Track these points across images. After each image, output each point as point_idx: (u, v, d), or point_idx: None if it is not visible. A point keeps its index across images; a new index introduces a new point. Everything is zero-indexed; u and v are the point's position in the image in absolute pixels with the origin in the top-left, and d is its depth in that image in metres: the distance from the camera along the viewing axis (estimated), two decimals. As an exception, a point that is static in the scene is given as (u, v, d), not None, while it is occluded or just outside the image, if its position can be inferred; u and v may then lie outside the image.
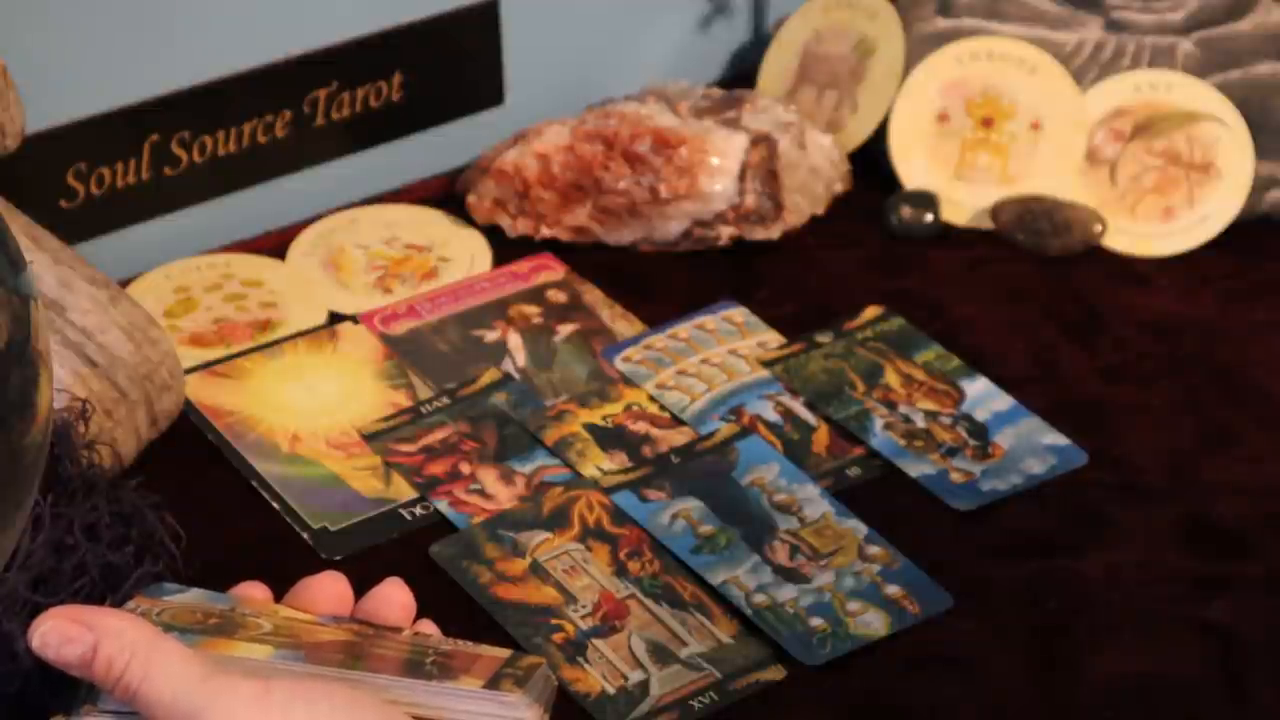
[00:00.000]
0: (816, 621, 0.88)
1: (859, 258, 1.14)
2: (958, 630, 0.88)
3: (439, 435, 1.00)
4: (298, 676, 0.66)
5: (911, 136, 1.18)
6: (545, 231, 1.14)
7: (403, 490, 0.97)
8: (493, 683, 0.67)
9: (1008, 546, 0.93)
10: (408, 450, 0.99)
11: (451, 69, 1.20)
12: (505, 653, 0.70)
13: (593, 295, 1.11)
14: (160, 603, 0.71)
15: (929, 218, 1.15)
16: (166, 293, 1.10)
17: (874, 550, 0.92)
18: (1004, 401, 1.02)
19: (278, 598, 0.73)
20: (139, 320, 0.97)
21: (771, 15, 1.30)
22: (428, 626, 0.73)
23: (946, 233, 1.16)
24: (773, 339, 1.07)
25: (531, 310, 1.09)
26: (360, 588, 0.74)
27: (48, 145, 1.06)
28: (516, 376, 1.04)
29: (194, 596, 0.72)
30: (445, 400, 1.02)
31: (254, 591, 0.73)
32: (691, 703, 0.84)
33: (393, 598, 0.73)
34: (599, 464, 0.98)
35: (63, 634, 0.65)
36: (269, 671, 0.66)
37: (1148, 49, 1.17)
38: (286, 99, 1.15)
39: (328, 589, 0.73)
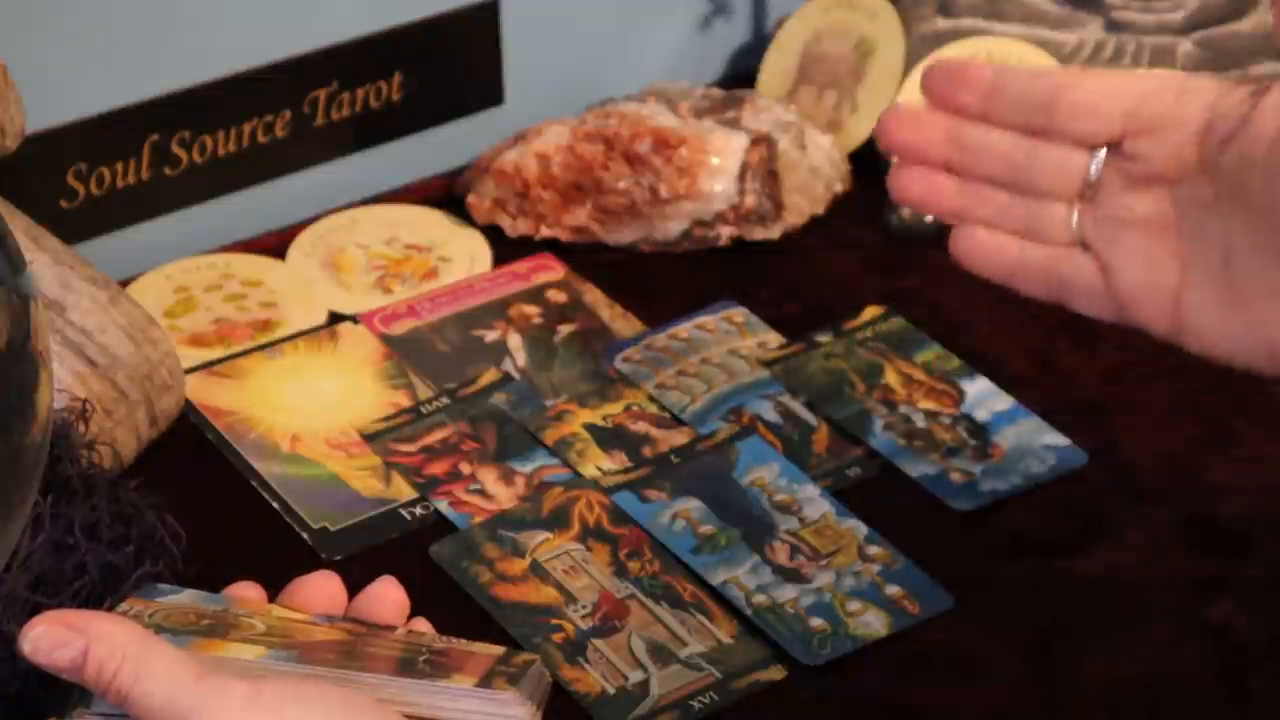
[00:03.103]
0: (816, 621, 0.88)
1: (859, 258, 1.14)
2: (958, 630, 0.88)
3: (439, 435, 1.00)
4: (290, 677, 0.66)
5: (911, 136, 1.18)
6: (545, 231, 1.14)
7: (403, 490, 0.97)
8: (485, 680, 0.67)
9: (1008, 546, 0.93)
10: (408, 450, 0.99)
11: (451, 69, 1.20)
12: (499, 650, 0.70)
13: (593, 295, 1.10)
14: (153, 604, 0.71)
15: (929, 218, 1.15)
16: (166, 293, 1.10)
17: (874, 550, 0.92)
18: (1004, 401, 1.02)
19: (274, 598, 0.73)
20: (139, 320, 0.97)
21: (771, 15, 1.30)
22: (422, 624, 0.73)
23: (946, 233, 1.15)
24: (773, 339, 1.07)
25: (531, 310, 1.09)
26: (360, 588, 0.74)
27: (48, 145, 1.06)
28: (516, 376, 1.04)
29: (187, 597, 0.72)
30: (445, 400, 1.02)
31: (248, 592, 0.73)
32: (691, 703, 0.84)
33: (386, 596, 0.73)
34: (599, 464, 0.98)
35: (53, 639, 0.65)
36: (261, 672, 0.66)
37: (1148, 49, 1.17)
38: (286, 99, 1.15)
39: (321, 588, 0.73)
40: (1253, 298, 0.70)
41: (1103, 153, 0.73)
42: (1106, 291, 0.74)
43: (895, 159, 0.78)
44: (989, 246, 0.76)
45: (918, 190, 0.77)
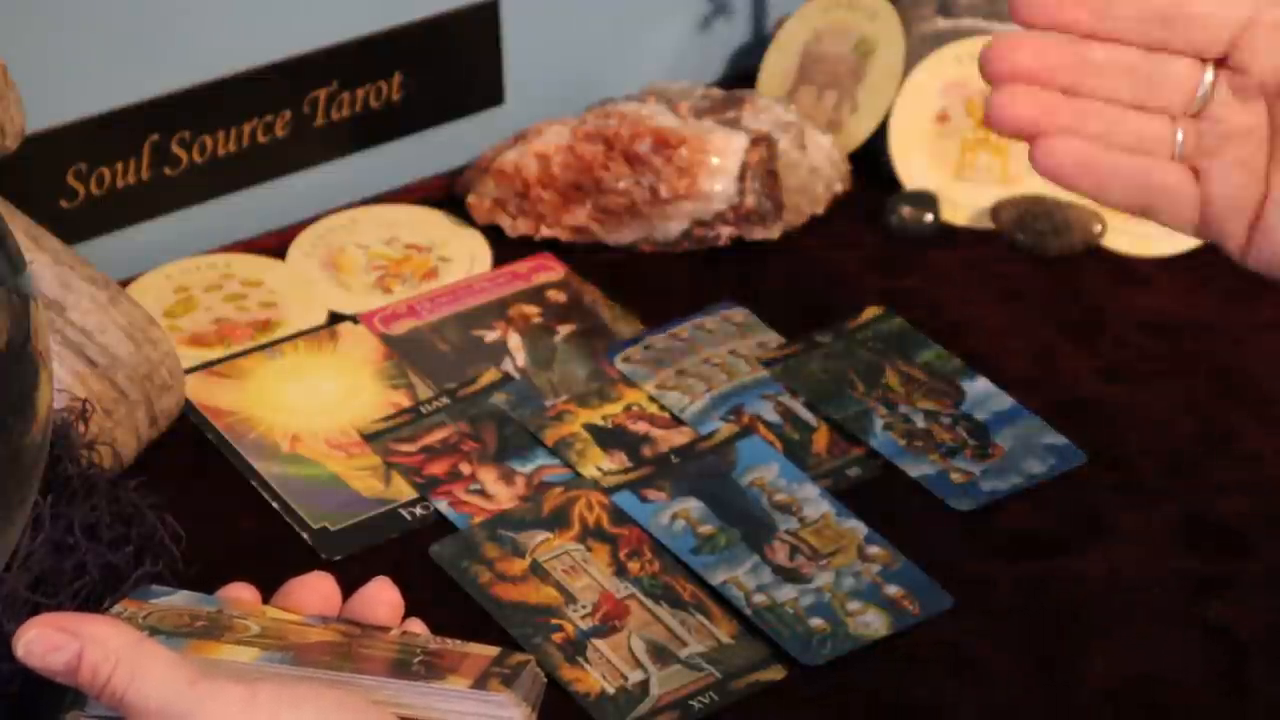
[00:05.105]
0: (816, 621, 0.88)
1: (859, 258, 1.14)
2: (958, 630, 0.88)
3: (439, 435, 1.00)
4: (284, 679, 0.65)
5: (911, 136, 1.18)
6: (545, 231, 1.14)
7: (403, 490, 0.97)
8: (480, 682, 0.67)
9: (1008, 546, 0.93)
10: (408, 450, 0.99)
11: (451, 69, 1.20)
12: (493, 651, 0.69)
13: (593, 295, 1.11)
14: (148, 605, 0.71)
15: (929, 218, 1.15)
16: (166, 293, 1.10)
17: (874, 550, 0.92)
18: (1004, 401, 1.02)
19: (270, 599, 0.73)
20: (139, 320, 0.97)
21: (771, 15, 1.30)
22: (416, 625, 0.73)
23: (946, 233, 1.16)
24: (773, 339, 1.07)
25: (531, 310, 1.09)
26: (359, 588, 0.74)
27: (48, 145, 1.06)
28: (516, 376, 1.04)
29: (182, 599, 0.72)
30: (445, 400, 1.02)
31: (242, 593, 0.73)
32: (691, 703, 0.84)
33: (380, 597, 0.73)
34: (599, 464, 0.98)
35: (47, 642, 0.64)
36: (256, 675, 0.65)
37: (1148, 49, 1.17)
38: (286, 99, 1.15)
39: (315, 589, 0.72)
40: None
41: (1212, 66, 0.70)
42: (1195, 201, 0.71)
43: (993, 85, 0.73)
44: (1080, 156, 0.71)
45: (1027, 110, 0.71)
